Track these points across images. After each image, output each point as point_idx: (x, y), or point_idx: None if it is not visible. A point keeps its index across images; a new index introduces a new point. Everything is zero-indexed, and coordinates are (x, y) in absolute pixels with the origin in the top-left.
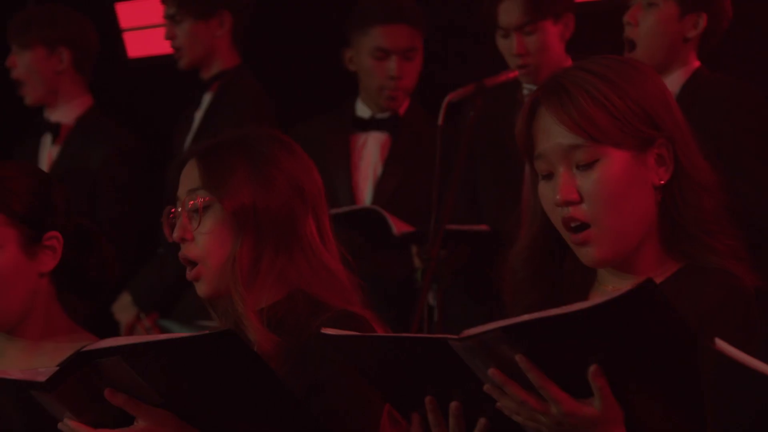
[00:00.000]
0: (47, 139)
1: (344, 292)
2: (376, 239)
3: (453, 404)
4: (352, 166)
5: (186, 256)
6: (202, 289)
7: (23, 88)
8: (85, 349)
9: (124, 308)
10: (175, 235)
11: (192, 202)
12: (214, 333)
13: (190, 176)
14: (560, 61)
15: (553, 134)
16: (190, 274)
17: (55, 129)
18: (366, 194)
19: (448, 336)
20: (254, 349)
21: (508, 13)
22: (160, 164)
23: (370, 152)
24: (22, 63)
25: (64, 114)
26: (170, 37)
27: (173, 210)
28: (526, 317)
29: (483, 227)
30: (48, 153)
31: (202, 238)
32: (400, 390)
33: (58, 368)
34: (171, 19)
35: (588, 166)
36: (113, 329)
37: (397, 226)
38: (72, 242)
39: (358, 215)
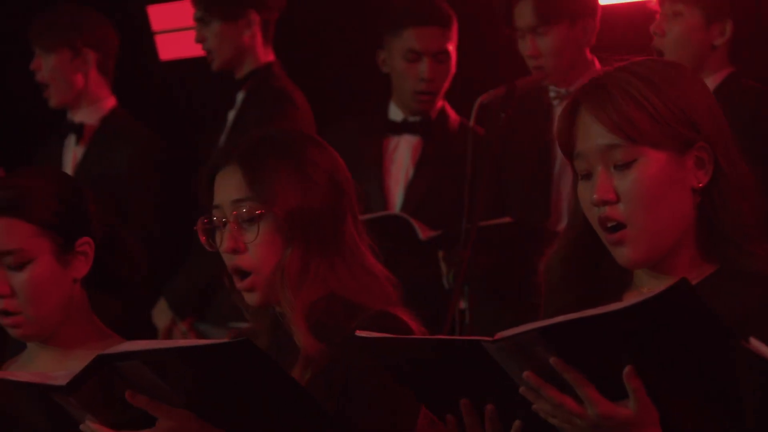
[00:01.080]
0: (71, 140)
1: (382, 291)
2: (402, 245)
3: (488, 407)
4: (384, 169)
5: (239, 266)
6: (254, 298)
7: (47, 91)
8: (104, 353)
9: (160, 313)
10: (226, 246)
11: (244, 213)
12: (230, 341)
13: (232, 184)
14: (580, 64)
15: (592, 134)
16: (242, 284)
17: (79, 130)
18: (397, 198)
19: (482, 338)
20: (300, 353)
21: (521, 15)
22: (190, 166)
23: (402, 156)
24: (47, 66)
25: (88, 115)
26: (200, 39)
27: (208, 218)
28: (560, 319)
29: (507, 219)
30: (72, 153)
31: (257, 248)
32: (434, 392)
33: (77, 372)
34: (200, 22)
35: (625, 165)
36: (151, 333)
37: (423, 232)
38: (101, 244)
39: (384, 222)
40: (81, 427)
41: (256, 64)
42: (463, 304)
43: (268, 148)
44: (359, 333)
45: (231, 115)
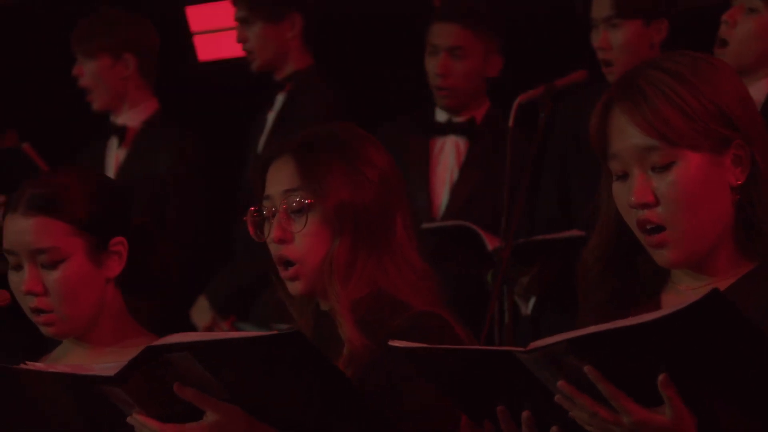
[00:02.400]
0: (113, 143)
1: (427, 291)
2: (466, 256)
3: (524, 414)
4: (430, 170)
5: (285, 256)
6: (297, 287)
7: (90, 95)
8: (154, 343)
9: (200, 312)
10: (273, 236)
11: (294, 203)
12: (280, 333)
13: (284, 175)
14: None
15: (628, 135)
16: (286, 273)
17: (121, 132)
18: (442, 199)
19: (515, 348)
20: (343, 349)
21: (599, 4)
22: (228, 167)
23: (447, 157)
24: (89, 71)
25: (131, 118)
26: (242, 40)
27: (258, 209)
28: (592, 329)
29: (576, 232)
30: (115, 156)
31: (304, 239)
32: (471, 398)
33: (127, 362)
34: (242, 22)
35: (664, 168)
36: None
37: (491, 242)
38: (135, 244)
39: (451, 231)
40: (128, 419)
41: (296, 66)
42: (503, 304)
43: (322, 141)
44: (392, 343)
45: (271, 116)
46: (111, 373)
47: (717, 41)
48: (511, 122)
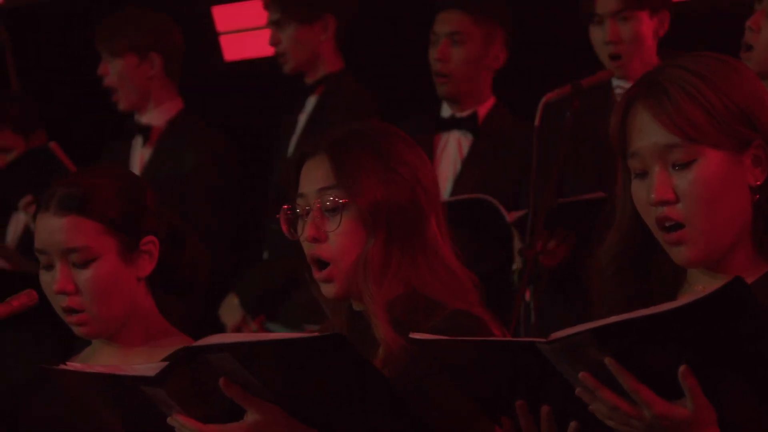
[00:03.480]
0: (138, 142)
1: (463, 291)
2: (481, 231)
3: (544, 408)
4: (434, 166)
5: (318, 256)
6: (331, 290)
7: (115, 95)
8: (194, 345)
9: (230, 310)
10: (307, 234)
11: (329, 202)
12: (322, 336)
13: (319, 173)
14: (651, 59)
15: (649, 133)
16: (320, 275)
17: (146, 131)
18: (445, 194)
19: (536, 339)
20: (380, 347)
21: (604, 0)
22: (254, 167)
23: (450, 152)
24: (114, 71)
25: (155, 117)
26: (275, 42)
27: (291, 207)
28: (613, 319)
29: (599, 194)
30: (139, 155)
31: (338, 238)
32: (490, 393)
33: (167, 363)
34: (275, 25)
35: (685, 165)
36: (214, 331)
37: (509, 214)
38: (166, 244)
39: (466, 205)
40: (168, 420)
41: (328, 69)
42: (529, 303)
43: (357, 140)
44: (413, 335)
45: (302, 118)
46: (151, 373)
47: (743, 46)
48: (537, 121)
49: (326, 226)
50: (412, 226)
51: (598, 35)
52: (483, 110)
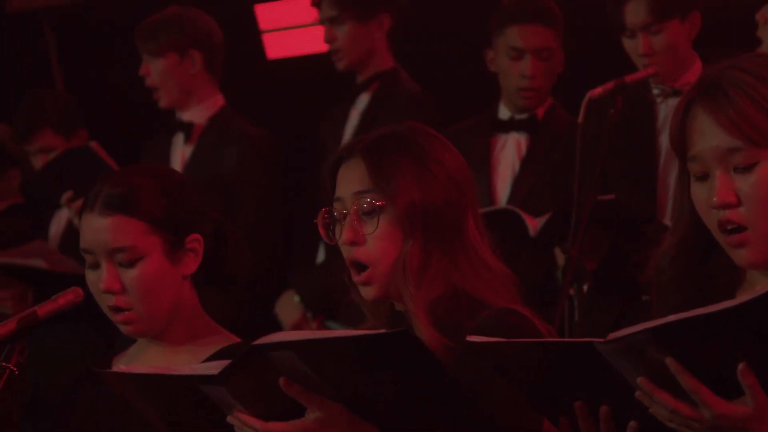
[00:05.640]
0: (179, 139)
1: (505, 289)
2: (512, 240)
3: (602, 409)
4: (491, 168)
5: (357, 259)
6: (370, 292)
7: (156, 94)
8: (257, 342)
9: (290, 308)
10: (345, 238)
11: (365, 205)
12: (391, 332)
13: (355, 176)
14: (687, 60)
15: (710, 136)
16: (359, 278)
17: (187, 129)
18: (503, 196)
19: (594, 339)
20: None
21: (635, 13)
22: (297, 163)
23: (509, 153)
24: (155, 70)
25: (197, 114)
26: (330, 39)
27: (328, 210)
28: (673, 317)
29: (610, 196)
30: (180, 153)
31: (375, 241)
32: (547, 395)
33: (230, 362)
34: (331, 22)
35: (747, 168)
36: (260, 329)
37: (533, 227)
38: (210, 241)
39: (494, 216)
40: (228, 419)
41: (380, 67)
42: (573, 302)
43: (393, 143)
44: (470, 338)
45: (354, 115)
46: (214, 372)
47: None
48: (581, 118)
49: (364, 229)
50: (450, 226)
51: (631, 47)
52: (541, 111)
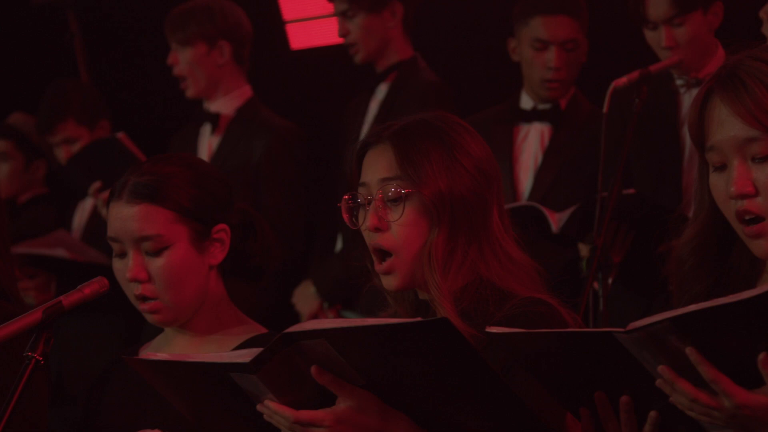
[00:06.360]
0: (206, 129)
1: (530, 279)
2: (535, 235)
3: (623, 398)
4: (513, 158)
5: (380, 245)
6: (392, 282)
7: (184, 83)
8: (290, 330)
9: (306, 299)
10: (369, 223)
11: (392, 192)
12: (429, 320)
13: (382, 163)
14: (710, 51)
15: (728, 126)
16: (381, 267)
17: (214, 119)
18: (526, 186)
19: (614, 329)
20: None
21: (657, 6)
22: (321, 154)
23: (531, 143)
24: (184, 59)
25: (224, 105)
26: (343, 33)
27: (352, 196)
28: (693, 307)
29: (631, 191)
30: (207, 143)
31: (400, 228)
32: (567, 385)
33: (262, 349)
34: (343, 15)
35: (764, 159)
36: (284, 319)
37: (555, 222)
38: (237, 232)
39: (517, 212)
40: (258, 407)
41: (399, 57)
42: (598, 292)
43: (422, 130)
44: (489, 329)
45: (373, 106)
46: (246, 359)
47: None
48: (605, 108)
49: (388, 216)
50: (476, 216)
51: (653, 40)
52: (564, 101)
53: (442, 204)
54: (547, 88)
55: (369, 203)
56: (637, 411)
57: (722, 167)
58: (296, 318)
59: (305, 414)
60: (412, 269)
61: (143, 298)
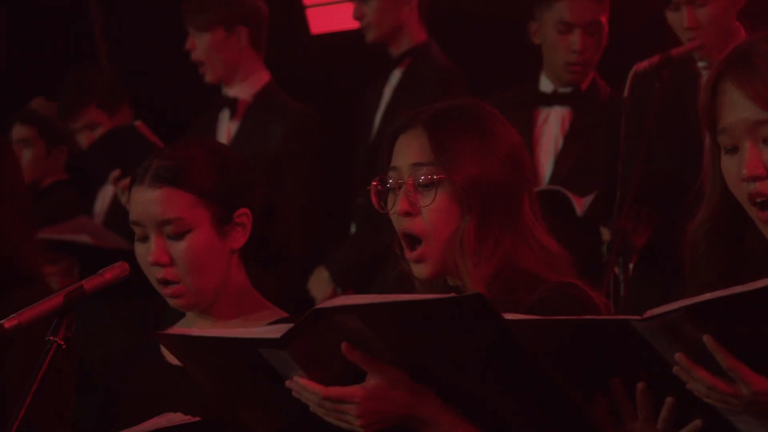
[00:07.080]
0: (225, 115)
1: (560, 266)
2: (559, 219)
3: (639, 385)
4: (534, 141)
5: (410, 230)
6: (424, 271)
7: (202, 68)
8: (321, 306)
9: (320, 284)
10: (399, 208)
11: (423, 177)
12: (464, 296)
13: (415, 148)
14: (732, 32)
15: (739, 108)
16: (413, 255)
17: (233, 105)
18: (546, 169)
19: (631, 317)
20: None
21: None
22: (341, 139)
23: (552, 127)
24: (201, 45)
25: (242, 90)
26: (359, 16)
27: (382, 179)
28: (708, 296)
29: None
30: (226, 128)
31: (432, 214)
32: (583, 372)
33: (292, 325)
34: None
35: None
36: (301, 304)
37: (579, 206)
38: (259, 216)
39: (542, 195)
40: (287, 383)
41: (413, 42)
42: (619, 276)
43: (455, 117)
44: (505, 315)
45: (387, 91)
46: (277, 335)
47: None
48: (626, 92)
49: (420, 201)
50: (507, 203)
51: (675, 21)
52: (584, 85)
53: (474, 191)
54: (571, 71)
55: (400, 187)
56: (654, 397)
57: (734, 150)
58: (312, 304)
59: (335, 390)
60: (443, 257)
61: (165, 282)
